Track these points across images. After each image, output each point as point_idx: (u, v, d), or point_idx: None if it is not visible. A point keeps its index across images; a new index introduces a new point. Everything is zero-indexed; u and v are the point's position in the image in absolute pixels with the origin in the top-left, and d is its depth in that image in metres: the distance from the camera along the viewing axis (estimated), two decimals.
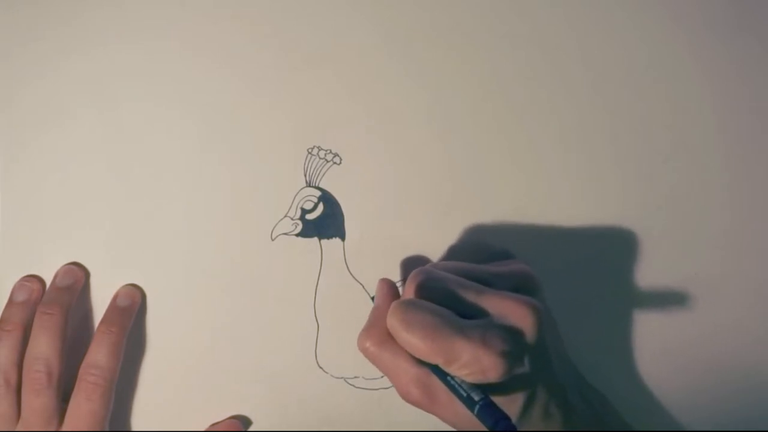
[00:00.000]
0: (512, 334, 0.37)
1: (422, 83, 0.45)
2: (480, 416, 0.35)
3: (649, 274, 0.46)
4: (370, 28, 0.45)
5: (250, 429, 0.47)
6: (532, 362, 0.38)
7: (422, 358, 0.37)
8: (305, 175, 0.45)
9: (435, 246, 0.45)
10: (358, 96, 0.45)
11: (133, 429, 0.46)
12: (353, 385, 0.46)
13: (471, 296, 0.38)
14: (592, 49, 0.46)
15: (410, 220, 0.46)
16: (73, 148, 0.45)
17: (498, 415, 0.35)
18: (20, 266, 0.45)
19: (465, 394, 0.36)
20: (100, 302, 0.45)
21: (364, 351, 0.39)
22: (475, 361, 0.36)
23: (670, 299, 0.46)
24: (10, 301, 0.44)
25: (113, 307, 0.45)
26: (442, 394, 0.38)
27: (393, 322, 0.37)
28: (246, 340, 0.46)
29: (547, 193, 0.46)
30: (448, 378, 0.37)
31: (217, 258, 0.45)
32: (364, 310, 0.45)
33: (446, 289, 0.38)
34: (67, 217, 0.45)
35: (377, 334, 0.39)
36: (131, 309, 0.45)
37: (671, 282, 0.46)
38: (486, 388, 0.37)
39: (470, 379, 0.37)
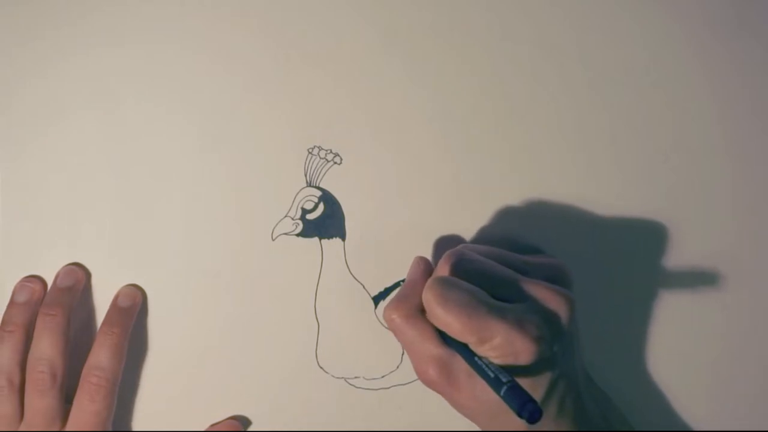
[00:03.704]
0: (547, 321, 0.38)
1: (422, 83, 0.45)
2: (507, 398, 0.35)
3: (649, 274, 0.46)
4: (370, 28, 0.45)
5: (250, 429, 0.47)
6: (559, 353, 0.38)
7: (454, 335, 0.37)
8: (306, 175, 0.45)
9: (435, 246, 0.45)
10: (358, 96, 0.45)
11: (134, 429, 0.46)
12: (353, 386, 0.46)
13: (506, 281, 0.39)
14: (592, 49, 0.46)
15: (410, 220, 0.46)
16: (73, 148, 0.45)
17: (525, 398, 0.34)
18: (20, 266, 0.45)
19: (492, 375, 0.36)
20: (101, 302, 0.45)
21: (390, 322, 0.39)
22: (508, 343, 0.36)
23: (668, 300, 0.46)
24: (12, 302, 0.44)
25: (114, 308, 0.44)
26: (463, 376, 0.38)
27: (429, 297, 0.37)
28: (246, 340, 0.46)
29: (547, 192, 0.46)
30: (476, 358, 0.37)
31: (218, 258, 0.45)
32: (364, 310, 0.46)
33: (482, 271, 0.39)
34: (67, 216, 0.45)
35: (407, 308, 0.39)
36: (132, 309, 0.45)
37: (671, 282, 0.46)
38: (511, 372, 0.36)
39: (498, 361, 0.37)
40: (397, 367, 0.46)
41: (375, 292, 0.46)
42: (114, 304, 0.45)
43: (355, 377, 0.46)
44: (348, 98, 0.45)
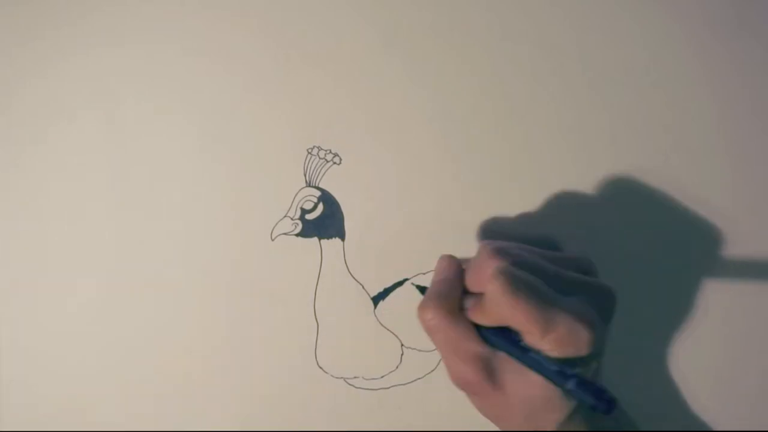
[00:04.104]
0: (600, 312, 0.37)
1: (422, 83, 0.45)
2: (578, 391, 0.34)
3: (648, 274, 0.46)
4: (370, 28, 0.45)
5: (249, 429, 0.47)
6: (604, 345, 0.38)
7: (517, 325, 0.36)
8: (305, 175, 0.45)
9: (435, 245, 0.45)
10: (358, 96, 0.45)
11: (134, 429, 0.46)
12: (353, 386, 0.46)
13: (556, 274, 0.38)
14: (592, 49, 0.46)
15: (410, 220, 0.46)
16: (73, 148, 0.45)
17: (596, 388, 0.33)
18: (20, 266, 0.45)
19: (555, 369, 0.35)
20: (102, 302, 0.45)
21: (427, 321, 0.38)
22: (572, 334, 0.36)
23: (667, 300, 0.46)
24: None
25: None
26: (507, 375, 0.37)
27: (497, 286, 0.36)
28: (246, 340, 0.46)
29: (547, 193, 0.46)
30: (531, 353, 0.36)
31: (217, 258, 0.45)
32: (363, 310, 0.46)
33: (533, 264, 0.38)
34: (66, 217, 0.45)
35: (445, 306, 0.38)
36: None
37: (671, 283, 0.46)
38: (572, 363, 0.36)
39: (557, 354, 0.36)
40: (397, 367, 0.46)
41: (374, 292, 0.46)
42: None
43: (355, 377, 0.46)
44: (348, 98, 0.45)
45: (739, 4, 0.45)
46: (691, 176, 0.46)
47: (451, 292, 0.39)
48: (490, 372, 0.38)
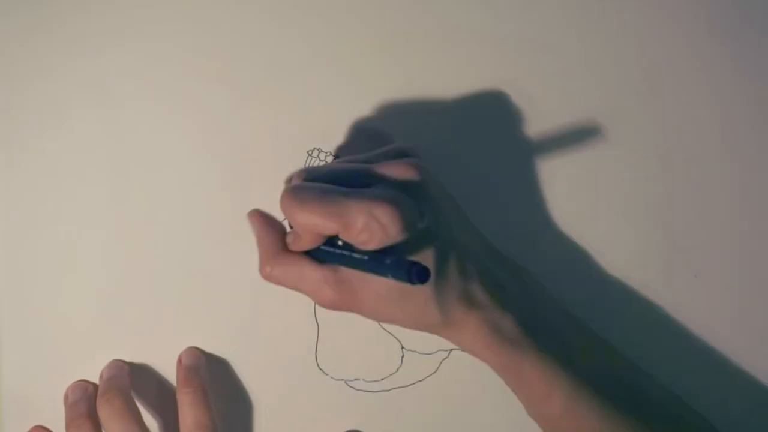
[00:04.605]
0: (404, 189, 0.37)
1: (422, 84, 0.45)
2: (393, 273, 0.34)
3: (648, 275, 0.46)
4: (370, 30, 0.45)
5: (249, 430, 0.47)
6: (432, 221, 0.38)
7: (320, 230, 0.37)
8: None
9: None
10: (358, 98, 0.45)
11: None
12: (353, 388, 0.46)
13: (354, 172, 0.38)
14: (592, 49, 0.46)
15: None
16: (74, 148, 0.45)
17: (408, 263, 0.33)
18: (20, 265, 0.45)
19: (369, 258, 0.35)
20: (102, 303, 0.45)
21: (268, 277, 0.39)
22: (373, 220, 0.35)
23: (667, 300, 0.46)
24: (69, 404, 0.44)
25: (183, 368, 0.44)
26: (357, 283, 0.38)
27: (285, 205, 0.37)
28: (246, 342, 0.46)
29: (547, 192, 0.46)
30: (353, 254, 0.36)
31: (217, 259, 0.45)
32: None
33: (329, 171, 0.38)
34: (67, 216, 0.45)
35: (271, 255, 0.39)
36: (200, 368, 0.45)
37: (670, 283, 0.46)
38: (393, 251, 0.36)
39: (373, 245, 0.36)
40: (397, 369, 0.46)
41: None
42: (181, 366, 0.45)
43: (355, 379, 0.46)
44: (348, 100, 0.45)
45: (739, 4, 0.46)
46: (691, 176, 0.46)
47: (267, 241, 0.40)
48: (341, 286, 0.38)
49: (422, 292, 0.38)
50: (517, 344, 0.40)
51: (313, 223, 0.36)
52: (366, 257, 0.36)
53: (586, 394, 0.40)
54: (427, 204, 0.38)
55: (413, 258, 0.37)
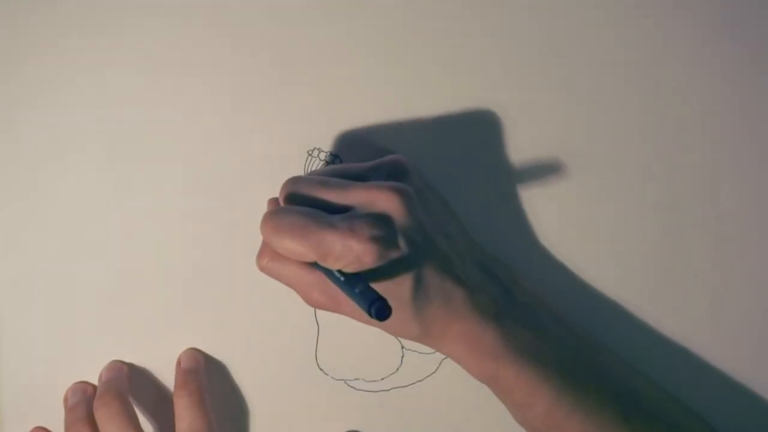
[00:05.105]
0: (379, 218, 0.38)
1: (422, 84, 0.45)
2: (358, 302, 0.36)
3: (648, 275, 0.46)
4: (370, 30, 0.45)
5: (250, 430, 0.47)
6: (409, 243, 0.38)
7: (298, 258, 0.38)
8: None
9: None
10: (358, 98, 0.45)
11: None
12: (353, 387, 0.46)
13: (336, 193, 0.39)
14: (592, 49, 0.46)
15: None
16: (74, 148, 0.45)
17: (372, 298, 0.35)
18: (20, 266, 0.45)
19: (347, 285, 0.37)
20: (102, 304, 0.45)
21: (263, 269, 0.41)
22: (347, 250, 0.37)
23: (666, 299, 0.46)
24: (68, 407, 0.44)
25: (181, 371, 0.45)
26: (340, 293, 0.39)
27: (264, 231, 0.38)
28: (246, 342, 0.46)
29: (547, 193, 0.46)
30: (334, 273, 0.38)
31: (218, 259, 0.45)
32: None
33: (311, 191, 0.39)
34: (66, 216, 0.45)
35: (271, 249, 0.40)
36: (200, 371, 0.45)
37: (670, 283, 0.46)
38: (370, 276, 0.37)
39: (350, 269, 0.37)
40: (397, 369, 0.46)
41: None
42: (180, 368, 0.45)
43: (355, 379, 0.46)
44: (348, 100, 0.45)
45: (738, 4, 0.46)
46: (690, 176, 0.46)
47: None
48: (328, 292, 0.40)
49: (401, 309, 0.39)
50: (496, 356, 0.40)
51: (292, 250, 0.38)
52: (342, 278, 0.37)
53: (569, 402, 0.41)
54: (407, 231, 0.38)
55: (390, 280, 0.38)
